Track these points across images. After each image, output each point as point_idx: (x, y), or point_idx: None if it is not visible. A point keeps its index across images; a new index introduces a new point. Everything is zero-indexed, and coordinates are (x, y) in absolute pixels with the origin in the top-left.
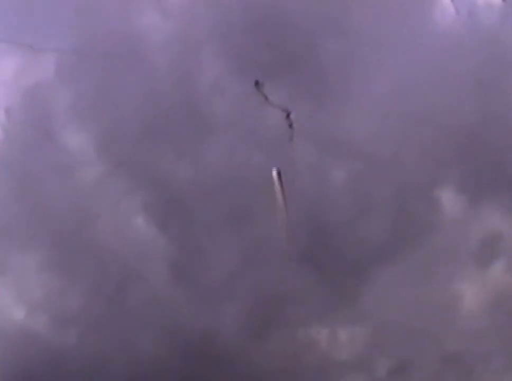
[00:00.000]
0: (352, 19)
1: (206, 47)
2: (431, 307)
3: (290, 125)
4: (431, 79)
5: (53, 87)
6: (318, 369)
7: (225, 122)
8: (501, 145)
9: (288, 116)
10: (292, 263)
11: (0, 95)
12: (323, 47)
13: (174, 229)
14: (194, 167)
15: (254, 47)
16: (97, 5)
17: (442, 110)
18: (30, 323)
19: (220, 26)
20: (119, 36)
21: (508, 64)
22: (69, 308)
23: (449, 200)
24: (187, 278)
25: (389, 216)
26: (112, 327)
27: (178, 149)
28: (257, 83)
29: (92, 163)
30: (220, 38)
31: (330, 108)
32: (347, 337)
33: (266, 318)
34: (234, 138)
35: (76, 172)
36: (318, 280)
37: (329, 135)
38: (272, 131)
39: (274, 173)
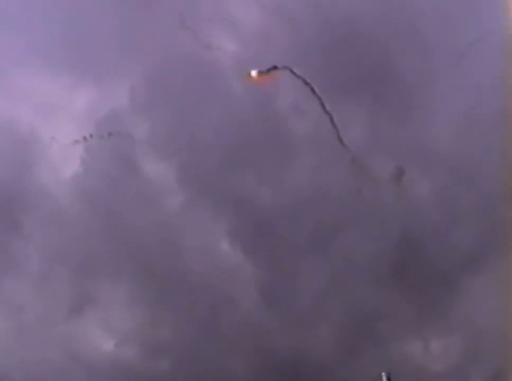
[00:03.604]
0: (425, 31)
1: (283, 69)
2: None
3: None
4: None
5: (129, 116)
6: None
7: (306, 143)
8: None
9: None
10: (382, 278)
11: (75, 127)
12: (402, 63)
13: (261, 253)
14: (277, 189)
15: (333, 65)
16: (170, 31)
17: None
18: (121, 354)
19: (297, 46)
20: (193, 62)
21: None
22: (159, 338)
23: None
24: (277, 300)
25: (476, 225)
26: (204, 353)
27: (260, 172)
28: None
29: (174, 192)
30: (297, 58)
31: (412, 120)
32: (440, 348)
33: (359, 335)
34: (315, 159)
35: (159, 202)
36: (409, 293)
37: (413, 149)
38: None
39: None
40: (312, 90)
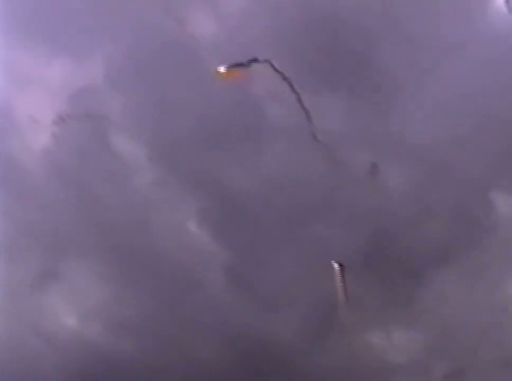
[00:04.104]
0: (406, 22)
1: (261, 52)
2: (488, 310)
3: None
4: (487, 80)
5: (103, 92)
6: (373, 372)
7: (281, 128)
8: None
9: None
10: (350, 267)
11: (48, 101)
12: (382, 52)
13: (230, 235)
14: (249, 173)
15: (310, 51)
16: (147, 8)
17: (500, 113)
18: (84, 330)
19: (275, 31)
20: (171, 40)
21: None
22: (123, 315)
23: (506, 202)
24: (244, 284)
25: (444, 218)
26: (167, 334)
27: (233, 155)
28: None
29: (145, 170)
30: (275, 43)
31: (387, 111)
32: (403, 340)
33: (323, 323)
34: (289, 145)
35: (129, 179)
36: (374, 284)
37: (385, 138)
38: (328, 137)
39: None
40: (291, 85)
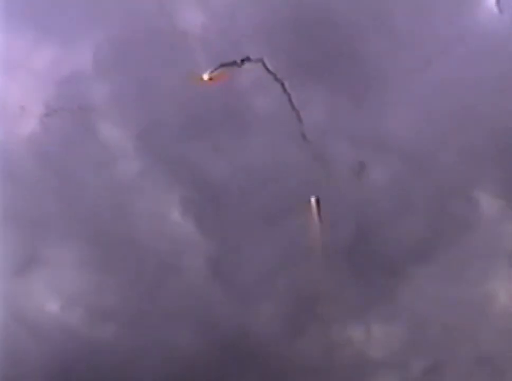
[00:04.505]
0: (394, 18)
1: (246, 45)
2: (466, 306)
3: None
4: (473, 79)
5: (91, 79)
6: (352, 367)
7: (264, 121)
8: None
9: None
10: (328, 260)
11: (35, 86)
12: (365, 46)
13: (211, 226)
14: (232, 164)
15: (294, 45)
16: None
17: (484, 111)
18: (66, 317)
19: (260, 25)
20: (160, 29)
21: None
22: (104, 303)
23: (487, 200)
24: (223, 274)
25: (426, 215)
26: (148, 322)
27: (216, 146)
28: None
29: (129, 158)
30: (260, 37)
31: (370, 107)
32: (382, 335)
33: (302, 314)
34: (272, 137)
35: (113, 166)
36: (353, 278)
37: (368, 134)
38: (312, 132)
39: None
40: (282, 85)
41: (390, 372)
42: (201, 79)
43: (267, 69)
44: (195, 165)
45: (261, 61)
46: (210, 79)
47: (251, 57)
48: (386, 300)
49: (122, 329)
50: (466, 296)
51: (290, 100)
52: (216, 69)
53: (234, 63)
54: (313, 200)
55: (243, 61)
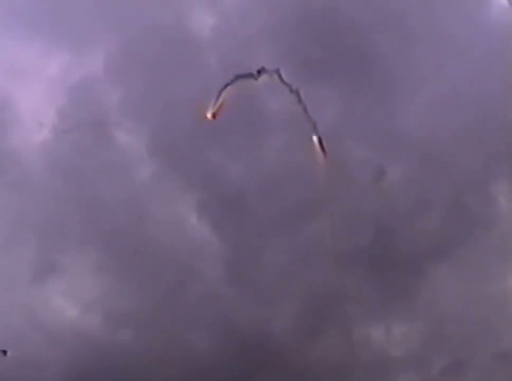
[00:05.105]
0: (407, 19)
1: (259, 46)
2: (486, 303)
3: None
4: (487, 77)
5: (103, 84)
6: (372, 366)
7: (282, 124)
8: None
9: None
10: (347, 261)
11: (48, 92)
12: (382, 46)
13: (228, 229)
14: (248, 167)
15: (309, 45)
16: (149, 3)
17: (500, 107)
18: (84, 323)
19: (273, 24)
20: (171, 34)
21: None
22: (122, 308)
23: (505, 196)
24: (241, 276)
25: (445, 212)
26: (165, 326)
27: (232, 149)
28: None
29: (145, 164)
30: (273, 36)
31: (388, 107)
32: (402, 334)
33: (321, 315)
34: (287, 140)
35: (129, 172)
36: (374, 277)
37: (384, 135)
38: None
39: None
40: (298, 96)
41: (411, 370)
42: (205, 117)
43: (282, 81)
44: (212, 169)
45: (276, 72)
46: (214, 116)
47: (266, 67)
48: (406, 299)
49: (141, 334)
50: (486, 292)
51: (304, 108)
52: (217, 99)
53: (250, 75)
54: (315, 138)
55: (259, 72)
